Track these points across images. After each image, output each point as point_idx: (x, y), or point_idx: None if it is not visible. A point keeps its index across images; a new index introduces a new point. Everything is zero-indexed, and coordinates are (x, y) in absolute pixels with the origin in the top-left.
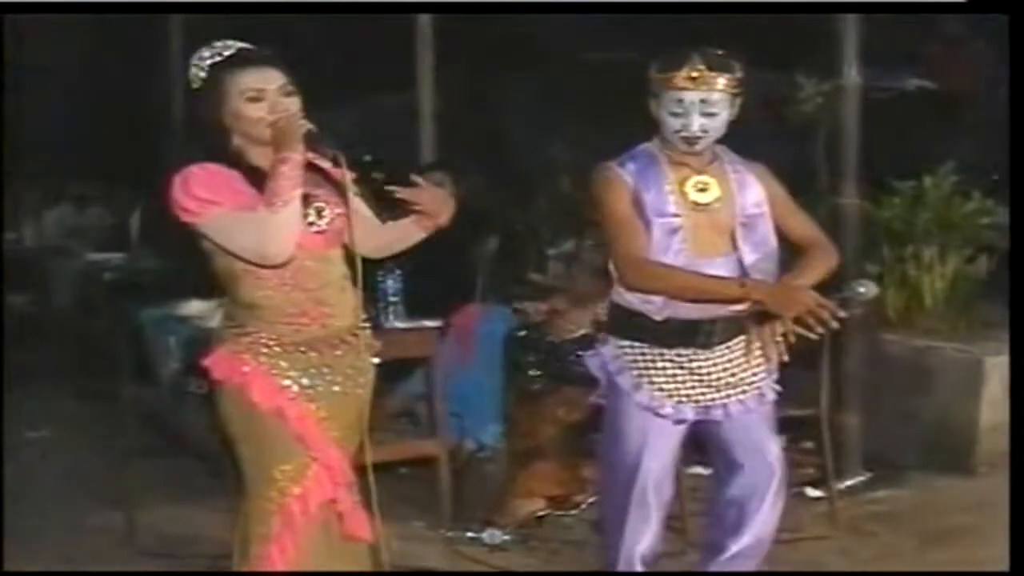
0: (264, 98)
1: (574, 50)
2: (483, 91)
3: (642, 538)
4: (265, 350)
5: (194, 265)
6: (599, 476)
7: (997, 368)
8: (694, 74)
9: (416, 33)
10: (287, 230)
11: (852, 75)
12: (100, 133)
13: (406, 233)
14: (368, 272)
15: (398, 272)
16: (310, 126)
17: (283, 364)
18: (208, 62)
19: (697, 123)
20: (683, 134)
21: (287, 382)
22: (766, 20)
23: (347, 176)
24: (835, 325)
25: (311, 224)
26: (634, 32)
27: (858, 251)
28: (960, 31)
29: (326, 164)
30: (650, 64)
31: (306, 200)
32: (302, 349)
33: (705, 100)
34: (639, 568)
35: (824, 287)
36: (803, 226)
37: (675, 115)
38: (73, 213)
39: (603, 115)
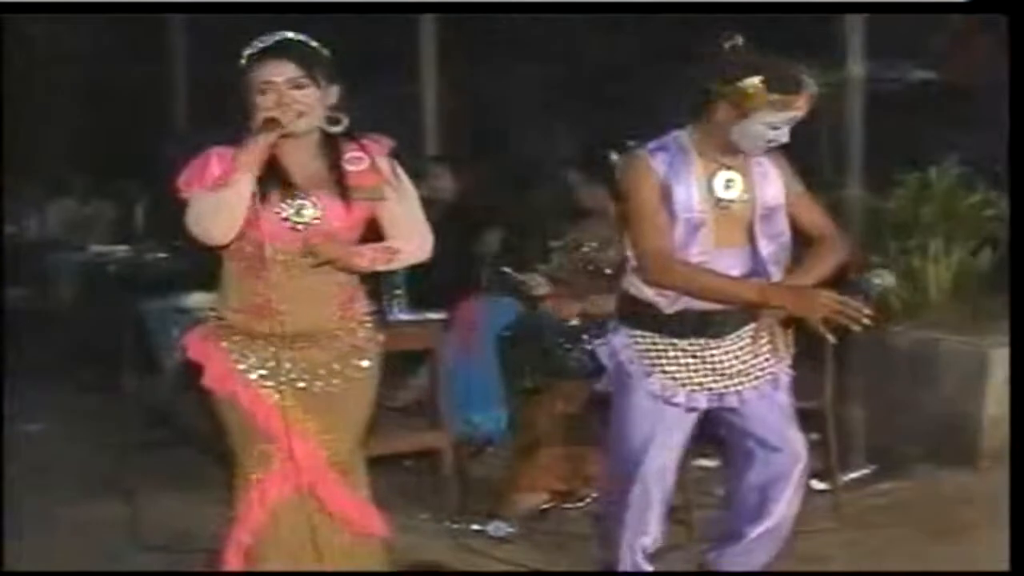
0: (271, 90)
1: (578, 44)
2: (486, 83)
3: (646, 529)
4: (228, 334)
5: (198, 257)
6: (604, 467)
7: (1002, 360)
8: (811, 95)
9: (419, 26)
10: (217, 210)
11: (857, 67)
12: (103, 126)
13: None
14: None
15: None
16: (273, 115)
17: (245, 352)
18: (247, 53)
19: (786, 134)
20: (772, 144)
21: (243, 367)
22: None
23: (382, 182)
24: (867, 321)
25: (285, 219)
26: (636, 27)
27: (863, 243)
28: (965, 23)
29: (357, 167)
30: (734, 77)
31: (286, 193)
32: (260, 340)
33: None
34: (640, 559)
35: (838, 281)
36: (816, 218)
37: (774, 128)
38: (76, 206)
39: (607, 108)
